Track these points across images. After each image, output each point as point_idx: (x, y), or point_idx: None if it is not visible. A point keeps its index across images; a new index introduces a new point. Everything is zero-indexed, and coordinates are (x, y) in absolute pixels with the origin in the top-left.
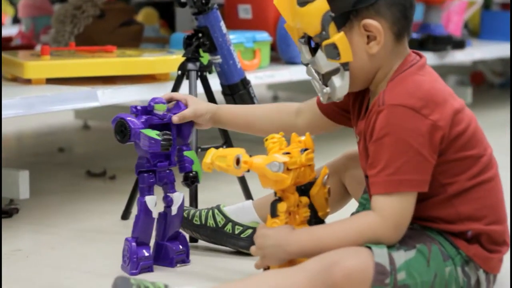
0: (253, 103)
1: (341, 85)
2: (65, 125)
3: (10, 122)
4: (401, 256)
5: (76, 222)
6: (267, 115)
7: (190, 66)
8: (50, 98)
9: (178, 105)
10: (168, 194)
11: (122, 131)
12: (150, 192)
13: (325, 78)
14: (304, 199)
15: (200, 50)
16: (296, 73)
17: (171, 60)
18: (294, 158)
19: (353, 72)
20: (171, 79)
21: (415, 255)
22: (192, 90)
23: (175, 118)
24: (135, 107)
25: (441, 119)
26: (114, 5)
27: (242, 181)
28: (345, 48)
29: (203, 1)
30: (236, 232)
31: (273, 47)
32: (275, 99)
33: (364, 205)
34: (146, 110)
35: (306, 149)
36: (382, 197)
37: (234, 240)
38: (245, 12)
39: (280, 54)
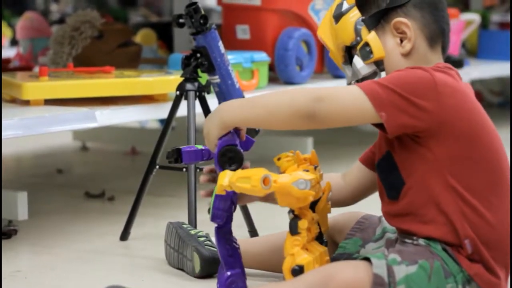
0: None
1: None
2: (63, 146)
3: (9, 143)
4: (402, 270)
5: (75, 243)
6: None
7: (189, 86)
8: (48, 119)
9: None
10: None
11: (231, 157)
12: None
13: None
14: (316, 216)
15: (199, 70)
16: None
17: (169, 81)
18: (314, 175)
19: (388, 74)
20: (169, 99)
21: (416, 270)
22: (190, 111)
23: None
24: None
25: None
26: (112, 26)
27: (244, 209)
28: (376, 44)
29: (201, 21)
30: None
31: (271, 67)
32: None
33: (345, 247)
34: None
35: (316, 166)
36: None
37: None
38: (243, 32)
39: (278, 75)
